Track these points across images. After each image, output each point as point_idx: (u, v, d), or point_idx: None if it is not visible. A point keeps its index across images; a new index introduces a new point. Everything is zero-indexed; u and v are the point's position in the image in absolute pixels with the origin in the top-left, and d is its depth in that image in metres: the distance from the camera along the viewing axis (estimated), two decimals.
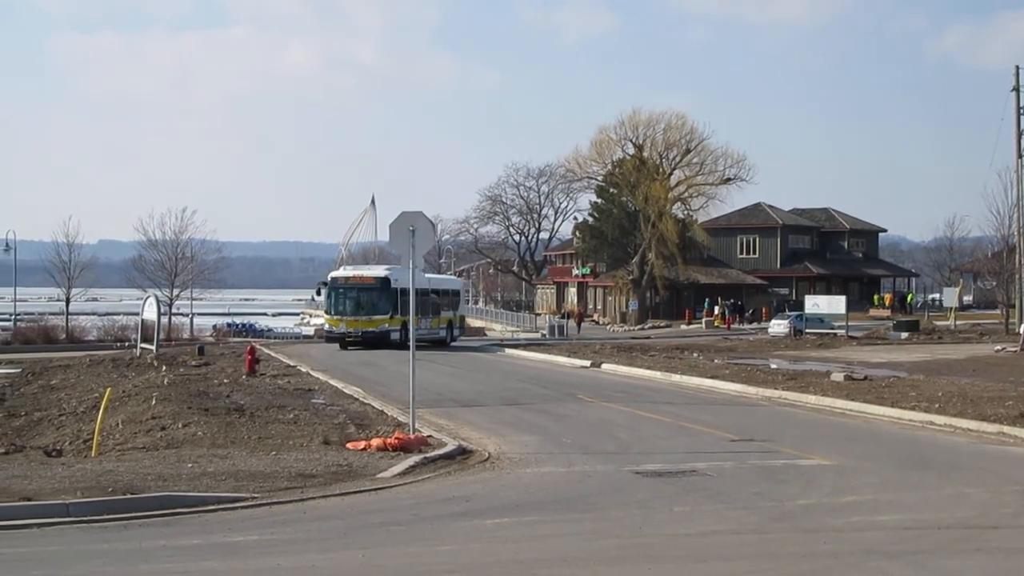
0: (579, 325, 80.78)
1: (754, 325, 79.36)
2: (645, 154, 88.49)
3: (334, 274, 55.39)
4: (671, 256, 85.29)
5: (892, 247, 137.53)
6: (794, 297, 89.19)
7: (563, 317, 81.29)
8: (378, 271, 55.37)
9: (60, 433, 27.00)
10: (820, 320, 64.28)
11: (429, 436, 21.51)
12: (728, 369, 38.71)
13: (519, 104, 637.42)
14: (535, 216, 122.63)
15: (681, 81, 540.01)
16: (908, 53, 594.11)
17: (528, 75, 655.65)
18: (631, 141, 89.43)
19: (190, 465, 17.99)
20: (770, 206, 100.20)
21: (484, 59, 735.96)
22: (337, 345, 53.39)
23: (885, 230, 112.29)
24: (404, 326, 49.66)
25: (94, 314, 79.16)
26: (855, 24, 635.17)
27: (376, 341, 51.71)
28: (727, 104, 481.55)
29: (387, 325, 52.11)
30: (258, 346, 47.20)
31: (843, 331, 61.85)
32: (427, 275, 63.59)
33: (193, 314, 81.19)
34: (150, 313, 50.52)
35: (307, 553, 12.39)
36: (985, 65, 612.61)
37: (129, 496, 15.15)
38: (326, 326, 56.08)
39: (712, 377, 35.72)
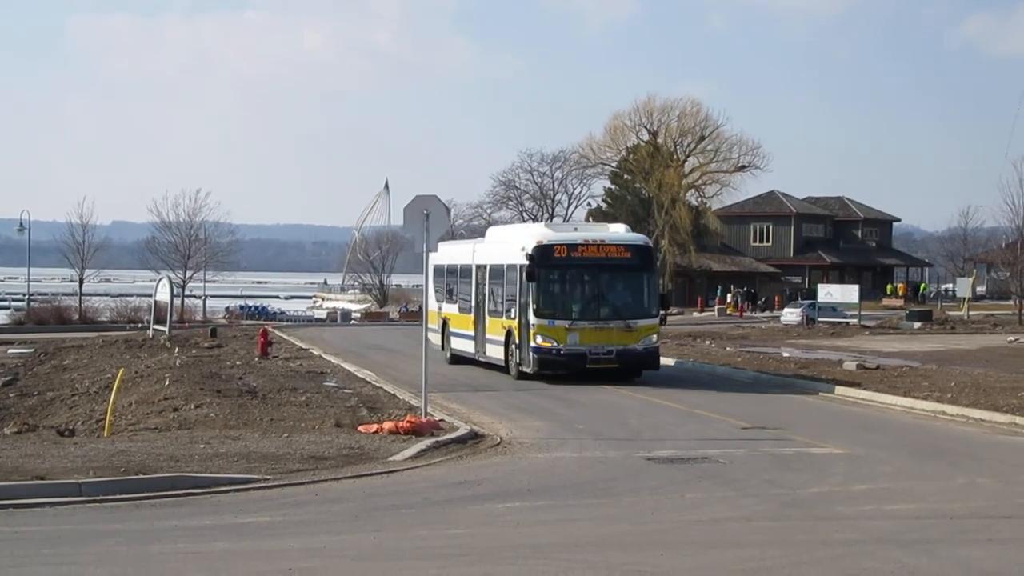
0: None
1: (767, 313, 79.03)
2: (659, 141, 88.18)
3: (552, 237, 29.61)
4: (684, 243, 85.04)
5: (906, 236, 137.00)
6: (807, 286, 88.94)
7: None
8: (628, 234, 31.33)
9: (73, 413, 27.04)
10: (833, 309, 64.05)
11: (441, 420, 21.50)
12: (740, 357, 38.62)
13: (537, 90, 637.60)
14: (549, 202, 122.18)
15: (699, 68, 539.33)
16: (927, 41, 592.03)
17: (547, 61, 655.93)
18: (645, 127, 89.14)
19: (202, 446, 18.02)
20: (784, 194, 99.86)
21: (503, 45, 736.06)
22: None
23: (899, 219, 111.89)
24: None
25: (107, 295, 79.48)
26: (874, 11, 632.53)
27: (637, 366, 29.67)
28: (743, 91, 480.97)
29: (654, 338, 29.85)
30: (271, 329, 47.27)
31: (856, 320, 61.57)
32: None
33: (206, 296, 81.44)
34: (163, 295, 50.63)
35: (318, 535, 12.42)
36: (1005, 54, 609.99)
37: (141, 476, 15.19)
38: (537, 338, 28.72)
39: (724, 364, 35.62)
